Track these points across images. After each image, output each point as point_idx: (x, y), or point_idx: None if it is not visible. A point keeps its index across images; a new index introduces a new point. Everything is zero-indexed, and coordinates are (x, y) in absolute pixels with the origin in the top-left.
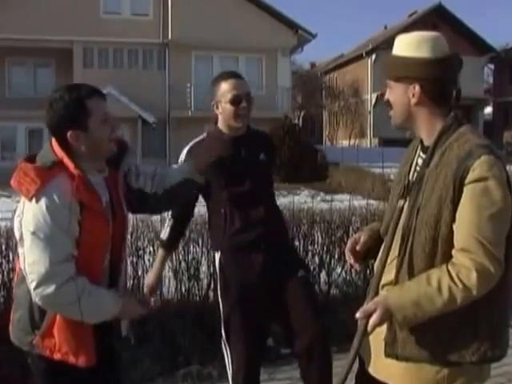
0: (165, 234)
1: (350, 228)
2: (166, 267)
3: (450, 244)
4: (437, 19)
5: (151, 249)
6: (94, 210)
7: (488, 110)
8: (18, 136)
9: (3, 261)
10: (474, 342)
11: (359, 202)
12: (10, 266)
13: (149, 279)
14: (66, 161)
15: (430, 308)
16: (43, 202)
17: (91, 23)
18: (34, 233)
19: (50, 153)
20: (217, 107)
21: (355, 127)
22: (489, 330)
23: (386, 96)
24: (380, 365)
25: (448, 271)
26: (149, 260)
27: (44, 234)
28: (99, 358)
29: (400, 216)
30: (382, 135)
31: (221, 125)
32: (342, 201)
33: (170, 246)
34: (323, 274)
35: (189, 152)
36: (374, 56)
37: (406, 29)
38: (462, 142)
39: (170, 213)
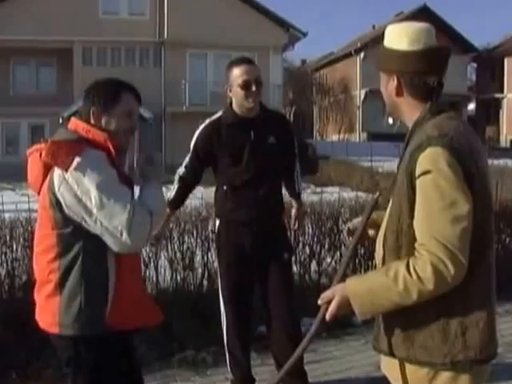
0: (171, 194)
1: (340, 219)
2: (162, 257)
3: (411, 238)
4: (422, 19)
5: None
6: (121, 172)
7: (471, 106)
8: (21, 132)
9: (7, 250)
10: (445, 343)
11: (348, 194)
12: (14, 255)
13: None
14: (95, 132)
15: (386, 299)
16: (87, 165)
17: (90, 23)
18: (97, 192)
19: (70, 134)
20: (230, 90)
21: (344, 122)
22: (460, 329)
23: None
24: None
25: (407, 263)
26: (146, 250)
27: (106, 188)
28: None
29: (372, 211)
30: (370, 130)
31: (234, 106)
32: (332, 193)
33: (175, 206)
34: (313, 264)
35: (200, 133)
36: (362, 54)
37: None
38: (420, 134)
39: (177, 175)
